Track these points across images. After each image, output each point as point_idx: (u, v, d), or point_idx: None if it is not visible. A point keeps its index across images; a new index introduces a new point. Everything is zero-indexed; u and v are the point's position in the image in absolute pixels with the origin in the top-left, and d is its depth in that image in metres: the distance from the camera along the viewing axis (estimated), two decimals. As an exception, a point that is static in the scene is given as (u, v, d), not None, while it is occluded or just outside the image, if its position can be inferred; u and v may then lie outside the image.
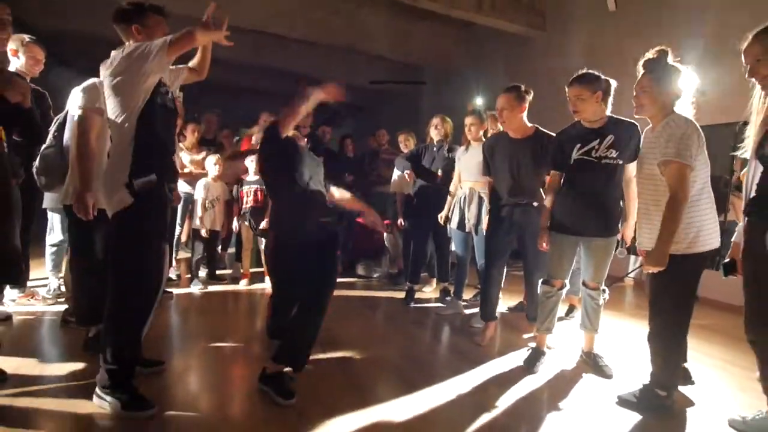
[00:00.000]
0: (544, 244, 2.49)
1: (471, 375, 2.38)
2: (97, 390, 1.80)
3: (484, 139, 3.25)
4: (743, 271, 1.82)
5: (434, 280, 4.21)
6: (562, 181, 2.46)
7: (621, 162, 2.31)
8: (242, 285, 4.03)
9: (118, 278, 1.83)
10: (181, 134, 4.12)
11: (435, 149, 3.74)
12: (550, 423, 1.93)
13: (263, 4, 6.65)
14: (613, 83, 2.35)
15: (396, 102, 10.66)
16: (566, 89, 2.37)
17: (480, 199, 3.16)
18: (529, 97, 2.73)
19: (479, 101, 4.73)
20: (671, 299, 1.97)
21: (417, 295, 3.92)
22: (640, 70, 2.04)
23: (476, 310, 3.43)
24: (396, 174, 4.39)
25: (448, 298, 3.62)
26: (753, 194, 1.78)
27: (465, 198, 3.24)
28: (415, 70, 9.25)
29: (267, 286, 4.06)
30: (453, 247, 3.49)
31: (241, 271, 4.17)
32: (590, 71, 2.34)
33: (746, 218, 1.79)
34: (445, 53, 8.19)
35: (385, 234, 4.77)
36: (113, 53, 1.81)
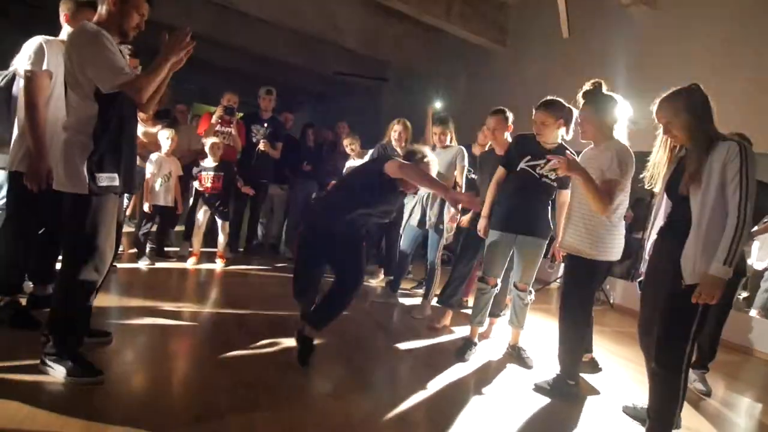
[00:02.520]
0: (482, 231, 2.77)
1: (408, 362, 2.59)
2: (44, 359, 1.81)
3: (449, 144, 3.47)
4: (644, 286, 2.13)
5: (382, 272, 4.40)
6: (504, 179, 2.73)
7: (555, 185, 2.62)
8: (190, 263, 4.00)
9: (71, 252, 1.84)
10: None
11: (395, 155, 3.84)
12: (474, 405, 2.18)
13: (233, -20, 6.51)
14: (575, 112, 2.55)
15: (357, 95, 10.73)
16: (533, 111, 2.60)
17: (443, 199, 3.37)
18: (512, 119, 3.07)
19: (438, 105, 4.95)
20: (578, 299, 2.30)
21: (364, 285, 4.09)
22: (581, 101, 2.31)
23: (417, 301, 3.67)
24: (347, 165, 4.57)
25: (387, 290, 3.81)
26: (662, 222, 2.06)
27: (428, 197, 3.43)
28: (379, 66, 9.37)
29: (217, 266, 4.06)
30: (401, 243, 3.67)
31: (190, 249, 4.13)
32: (556, 98, 2.59)
33: (659, 240, 2.07)
34: (411, 54, 8.38)
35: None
36: (87, 25, 1.79)
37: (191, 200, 4.45)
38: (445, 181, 3.34)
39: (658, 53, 4.87)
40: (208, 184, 3.96)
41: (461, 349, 2.74)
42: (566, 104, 2.58)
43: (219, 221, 4.09)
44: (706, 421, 2.41)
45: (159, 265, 3.88)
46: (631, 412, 2.29)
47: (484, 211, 2.79)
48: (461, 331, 3.19)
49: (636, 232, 5.20)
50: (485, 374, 2.57)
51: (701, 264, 1.74)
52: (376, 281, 4.38)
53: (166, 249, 4.22)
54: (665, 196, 2.00)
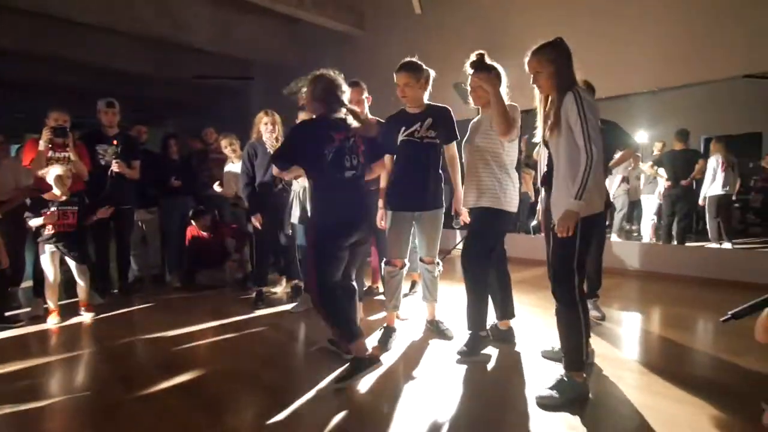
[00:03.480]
0: (382, 222, 2.69)
1: (331, 366, 2.41)
2: None
3: None
4: (545, 231, 2.27)
5: (284, 279, 4.11)
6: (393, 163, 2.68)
7: (439, 141, 2.60)
8: (50, 323, 3.28)
9: None
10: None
11: (270, 150, 3.56)
12: (407, 392, 2.09)
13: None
14: (432, 72, 2.61)
15: (224, 99, 10.00)
16: (394, 75, 2.55)
17: None
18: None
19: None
20: (481, 248, 2.40)
21: (269, 296, 3.79)
22: (470, 70, 2.37)
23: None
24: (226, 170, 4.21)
25: (299, 297, 3.56)
26: (544, 170, 2.20)
27: (304, 190, 3.23)
28: (241, 64, 8.80)
29: (84, 318, 3.39)
30: (298, 241, 3.46)
31: (45, 306, 3.39)
32: (415, 60, 2.56)
33: (543, 189, 2.21)
34: (272, 48, 7.99)
35: (227, 238, 4.46)
36: None
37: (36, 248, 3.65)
38: None
39: (506, 21, 5.25)
40: (55, 221, 3.24)
41: (382, 338, 2.64)
42: (424, 66, 2.57)
43: (73, 266, 3.41)
44: (607, 343, 2.65)
45: (3, 335, 3.11)
46: (550, 355, 2.40)
47: (381, 203, 2.71)
48: (377, 319, 3.10)
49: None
50: (411, 357, 2.50)
51: (562, 205, 1.87)
52: (281, 290, 4.09)
53: (8, 314, 3.40)
54: (543, 146, 2.11)
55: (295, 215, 3.30)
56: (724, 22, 4.04)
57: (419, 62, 2.57)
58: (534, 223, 2.46)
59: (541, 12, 4.97)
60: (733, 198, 5.30)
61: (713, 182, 5.10)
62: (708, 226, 5.21)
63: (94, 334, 3.15)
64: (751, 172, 5.71)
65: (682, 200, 5.16)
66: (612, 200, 6.02)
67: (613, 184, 6.02)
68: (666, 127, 5.59)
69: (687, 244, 5.06)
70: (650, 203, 5.87)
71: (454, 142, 2.70)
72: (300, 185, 3.28)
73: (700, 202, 5.22)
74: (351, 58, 7.14)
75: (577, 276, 1.91)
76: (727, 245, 4.93)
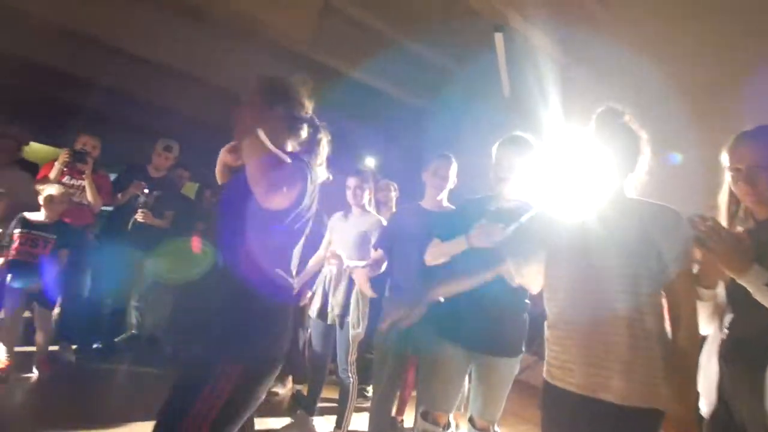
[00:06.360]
0: None
1: None
2: None
3: (368, 208, 2.60)
4: None
5: (290, 379, 3.29)
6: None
7: None
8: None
9: None
10: None
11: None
12: None
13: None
14: None
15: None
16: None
17: (350, 281, 2.44)
18: None
19: (369, 160, 4.13)
20: None
21: (269, 397, 2.96)
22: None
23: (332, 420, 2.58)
24: None
25: (296, 415, 2.72)
26: (724, 335, 1.32)
27: (330, 278, 2.51)
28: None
29: (33, 375, 2.74)
30: (312, 341, 2.68)
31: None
32: None
33: (723, 370, 1.31)
34: (338, 105, 7.71)
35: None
36: None
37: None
38: (351, 259, 2.44)
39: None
40: (16, 245, 2.69)
41: None
42: None
43: (37, 308, 2.82)
44: None
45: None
46: None
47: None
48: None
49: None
50: None
51: None
52: (284, 390, 3.24)
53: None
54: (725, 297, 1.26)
55: (314, 308, 2.56)
56: None
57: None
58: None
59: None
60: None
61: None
62: None
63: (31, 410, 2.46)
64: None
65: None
66: None
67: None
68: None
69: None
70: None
71: None
72: (329, 270, 2.55)
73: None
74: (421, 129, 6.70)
75: None
76: None
